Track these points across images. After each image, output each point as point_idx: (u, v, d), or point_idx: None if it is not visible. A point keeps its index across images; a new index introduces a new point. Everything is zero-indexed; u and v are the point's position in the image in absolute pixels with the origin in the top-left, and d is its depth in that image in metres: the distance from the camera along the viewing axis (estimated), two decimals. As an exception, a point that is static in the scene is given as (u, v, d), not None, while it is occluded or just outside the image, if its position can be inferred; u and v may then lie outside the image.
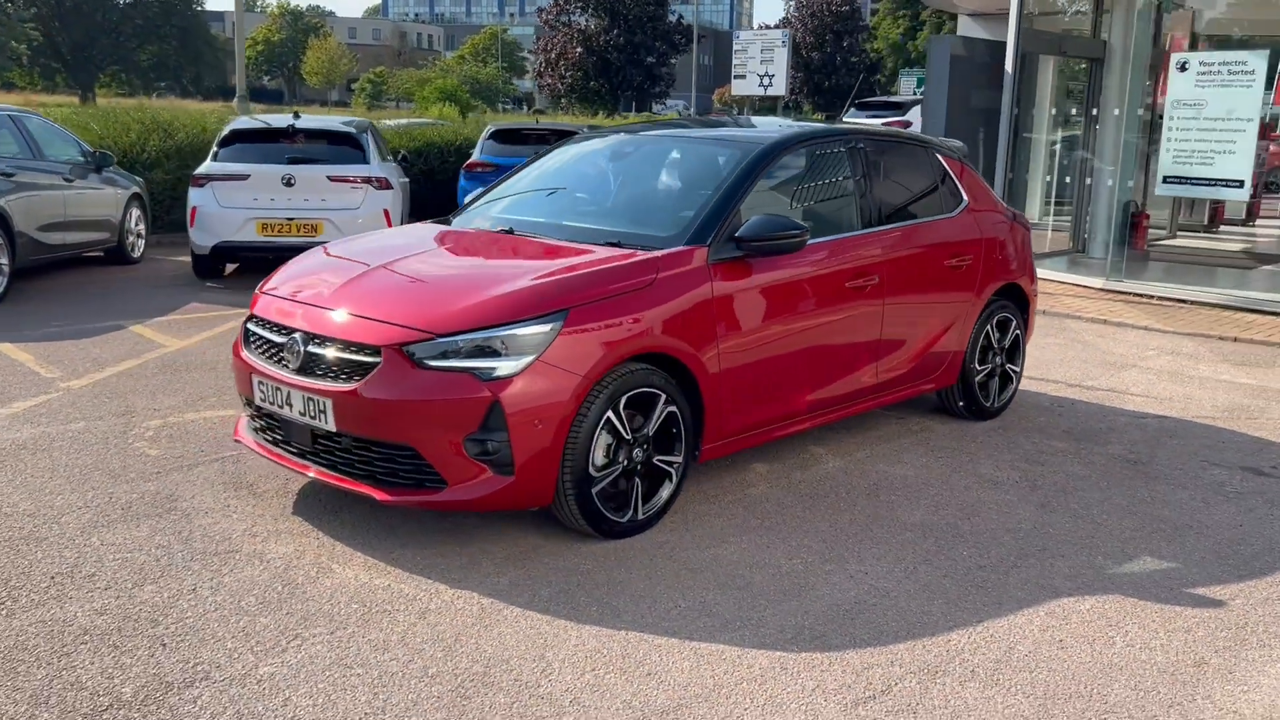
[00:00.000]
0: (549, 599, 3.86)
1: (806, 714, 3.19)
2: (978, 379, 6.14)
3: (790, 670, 3.42)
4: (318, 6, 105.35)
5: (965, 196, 6.07)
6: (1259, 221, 17.93)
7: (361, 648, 3.48)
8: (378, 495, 4.09)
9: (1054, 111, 13.61)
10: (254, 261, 11.14)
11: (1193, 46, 13.26)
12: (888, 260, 5.40)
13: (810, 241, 4.89)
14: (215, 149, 10.53)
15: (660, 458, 4.45)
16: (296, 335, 4.30)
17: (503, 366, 4.00)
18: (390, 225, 10.40)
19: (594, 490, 4.21)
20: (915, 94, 43.19)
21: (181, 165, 13.54)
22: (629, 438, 4.30)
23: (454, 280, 4.53)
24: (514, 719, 3.12)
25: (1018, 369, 6.48)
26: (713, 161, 5.19)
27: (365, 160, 10.59)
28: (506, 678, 3.33)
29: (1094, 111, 12.89)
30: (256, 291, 4.87)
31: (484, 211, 5.52)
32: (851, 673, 3.42)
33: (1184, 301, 10.46)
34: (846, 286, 5.18)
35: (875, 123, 23.00)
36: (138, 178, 12.14)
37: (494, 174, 12.93)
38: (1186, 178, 10.44)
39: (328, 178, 10.24)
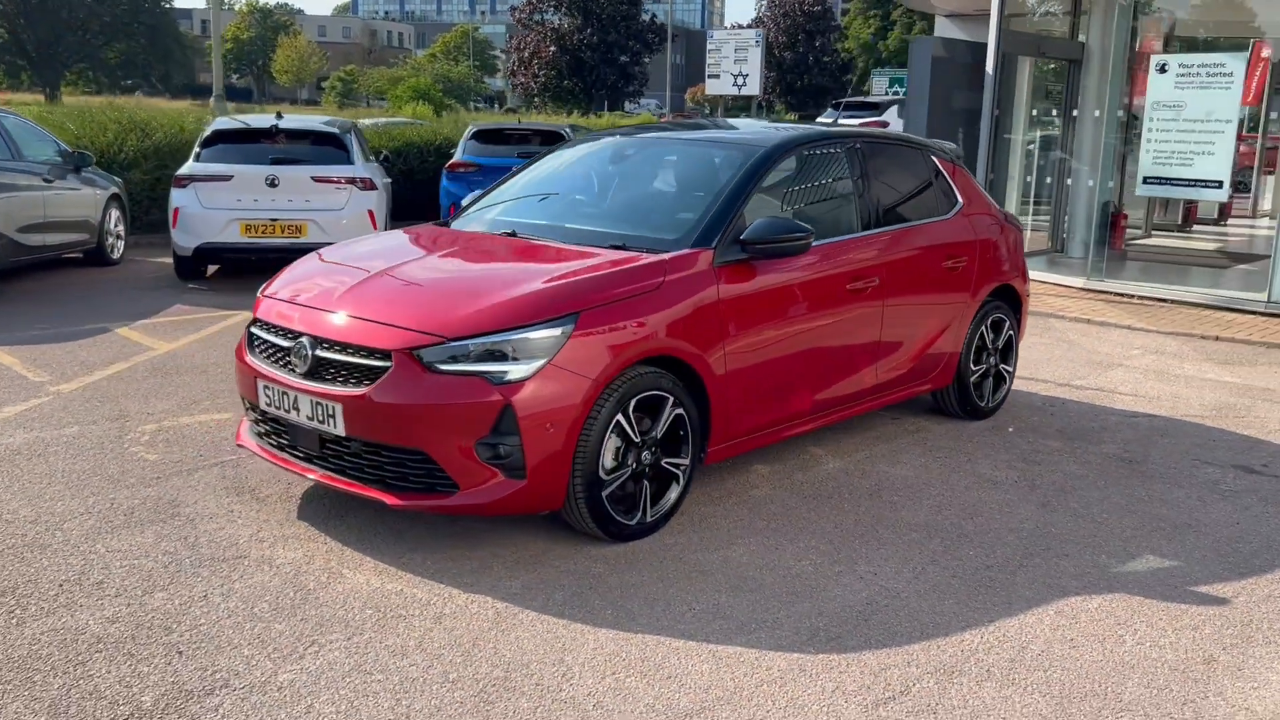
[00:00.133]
0: (563, 602, 3.86)
1: (829, 715, 3.21)
2: (973, 379, 6.19)
3: (809, 672, 3.44)
4: (286, 4, 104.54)
5: (959, 198, 6.12)
6: (1230, 221, 18.20)
7: (380, 654, 3.47)
8: (388, 500, 4.08)
9: (1034, 113, 13.73)
10: (236, 263, 11.09)
11: (1166, 48, 13.41)
12: (887, 262, 5.44)
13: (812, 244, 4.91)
14: (197, 149, 10.44)
15: (668, 460, 4.47)
16: (304, 339, 4.28)
17: (515, 370, 4.00)
18: (375, 226, 10.36)
19: (604, 493, 4.22)
20: (888, 94, 43.47)
21: (159, 165, 13.43)
22: (638, 440, 4.30)
23: (463, 283, 4.52)
24: (538, 724, 3.13)
25: (1011, 369, 6.54)
26: (714, 164, 5.20)
27: (349, 161, 10.54)
28: (528, 682, 3.33)
29: (1074, 113, 13.01)
30: (259, 295, 4.84)
31: (484, 214, 5.51)
32: (870, 674, 3.44)
33: (1164, 300, 10.58)
34: (847, 288, 5.21)
35: (853, 123, 23.12)
36: (116, 178, 12.02)
37: (477, 174, 12.91)
38: (1166, 178, 10.56)
39: (312, 178, 10.18)
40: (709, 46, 32.50)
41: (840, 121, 24.43)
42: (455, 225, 5.52)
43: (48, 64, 61.93)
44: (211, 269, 10.85)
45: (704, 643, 3.60)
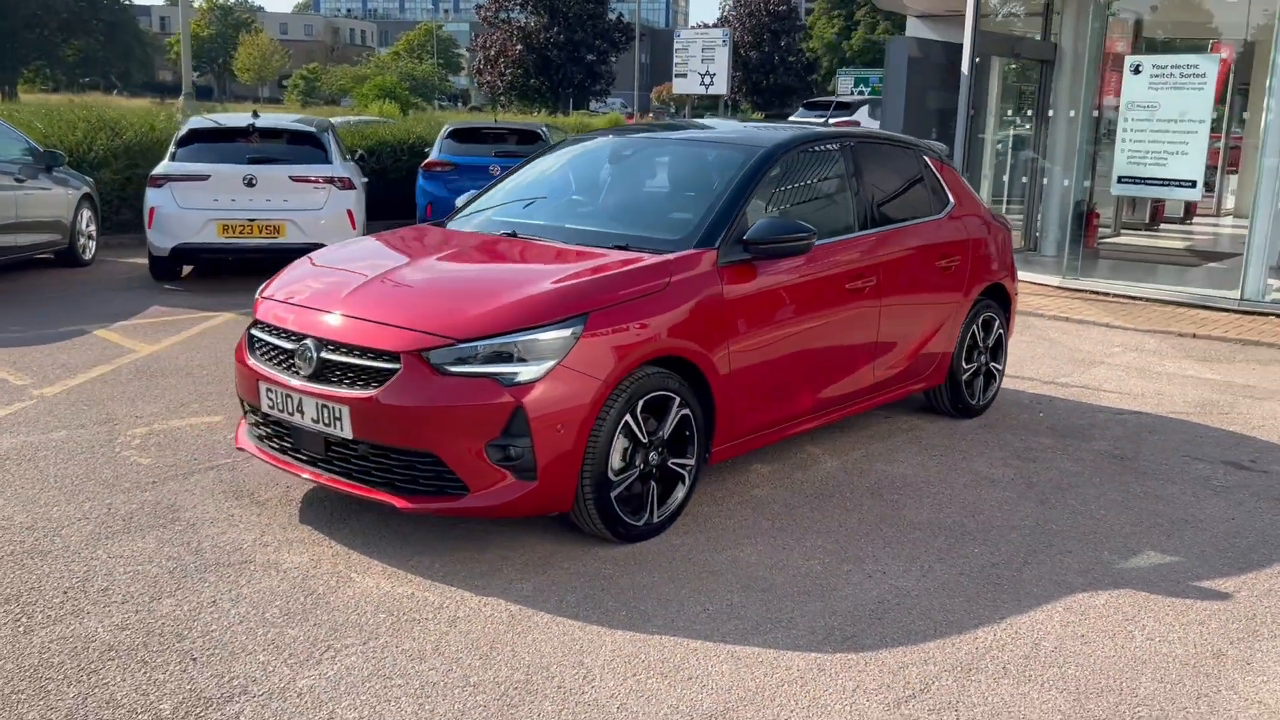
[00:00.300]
0: (576, 604, 3.85)
1: (852, 714, 3.22)
2: (964, 378, 6.23)
3: (828, 671, 3.45)
4: (247, 1, 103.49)
5: (950, 198, 6.16)
6: (1195, 219, 18.48)
7: (397, 658, 3.44)
8: (397, 503, 4.05)
9: (1009, 113, 13.86)
10: (212, 264, 10.98)
11: (1134, 50, 13.58)
12: (884, 262, 5.47)
13: (812, 244, 4.93)
14: (173, 149, 10.31)
15: (674, 460, 4.46)
16: (308, 341, 4.23)
17: (525, 371, 3.98)
18: (354, 226, 10.29)
19: (612, 494, 4.21)
20: (853, 94, 43.71)
21: (130, 164, 13.25)
22: (645, 441, 4.30)
23: (470, 285, 4.50)
24: (564, 727, 3.12)
25: (1000, 367, 6.60)
26: (714, 164, 5.20)
27: (328, 160, 10.45)
28: (549, 685, 3.32)
29: (1050, 113, 13.13)
30: (258, 297, 4.78)
31: (481, 214, 5.48)
32: (888, 672, 3.46)
33: (1139, 298, 10.71)
34: (846, 288, 5.23)
35: (821, 123, 23.20)
36: (88, 178, 11.84)
37: (453, 173, 12.85)
38: (1141, 178, 10.70)
39: (290, 178, 10.08)
40: (676, 46, 32.52)
41: (830, 122, 24.49)
42: (451, 226, 5.49)
43: (4, 61, 60.93)
44: (186, 269, 10.72)
45: (721, 643, 3.60)
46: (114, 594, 3.82)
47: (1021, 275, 11.79)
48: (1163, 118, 10.42)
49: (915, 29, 17.06)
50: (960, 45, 12.14)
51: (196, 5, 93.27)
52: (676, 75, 34.46)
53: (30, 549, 4.18)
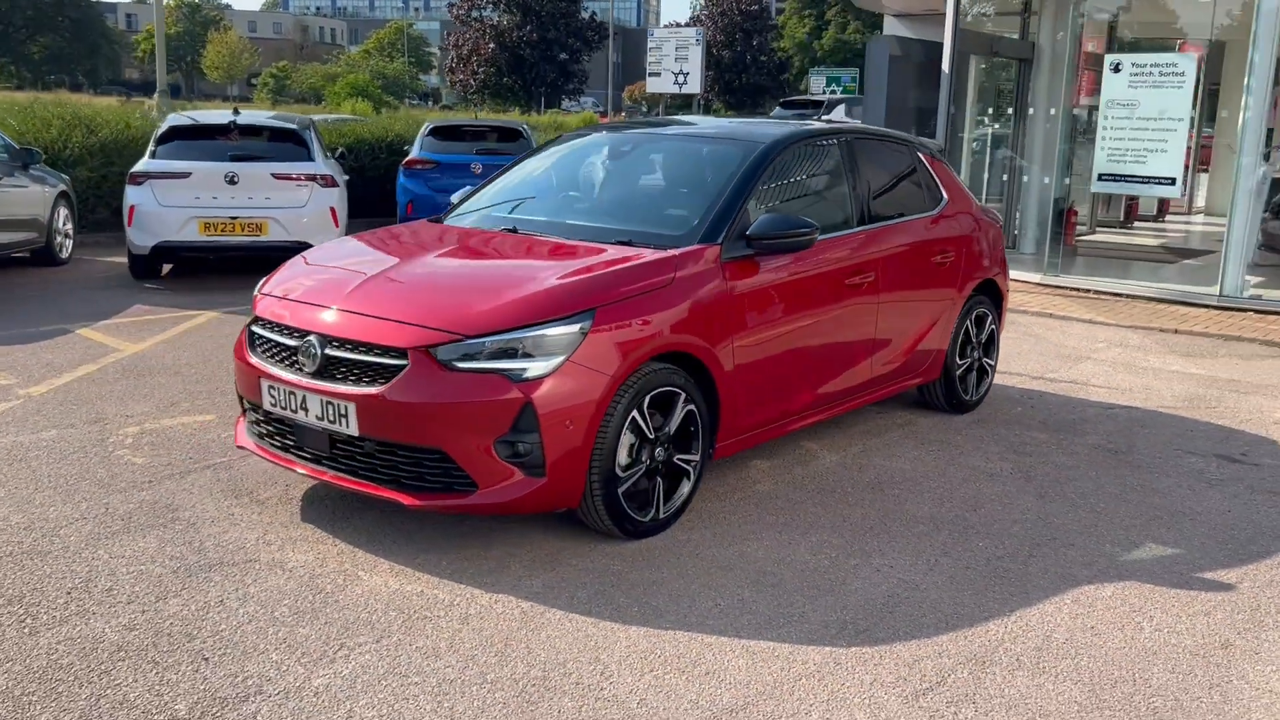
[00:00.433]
0: (588, 601, 3.83)
1: (871, 708, 3.22)
2: (958, 373, 6.26)
3: (844, 665, 3.45)
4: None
5: (944, 194, 6.19)
6: (1168, 217, 18.69)
7: (412, 656, 3.42)
8: (405, 500, 4.01)
9: (991, 111, 13.95)
10: (192, 262, 10.88)
11: (1106, 49, 13.69)
12: (882, 257, 5.48)
13: (812, 239, 4.93)
14: (153, 146, 10.19)
15: (679, 456, 4.45)
16: (311, 338, 4.19)
17: (533, 367, 3.96)
18: (336, 224, 10.23)
19: (620, 490, 4.20)
20: (825, 93, 43.86)
21: (105, 162, 13.12)
22: (652, 437, 4.29)
23: (475, 280, 4.47)
24: (584, 723, 3.10)
25: (993, 363, 6.63)
26: (714, 160, 5.20)
27: (310, 157, 10.38)
28: (566, 682, 3.30)
29: (1030, 111, 13.22)
30: (257, 293, 4.73)
31: (479, 211, 5.45)
32: (904, 665, 3.47)
33: (1119, 295, 10.81)
34: (846, 283, 5.24)
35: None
36: (64, 175, 11.69)
37: (434, 170, 12.78)
38: (1121, 175, 10.79)
39: (272, 175, 10.00)
40: (649, 45, 32.50)
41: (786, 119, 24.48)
42: (449, 221, 5.46)
43: (-33, 59, 60.14)
44: (166, 268, 10.61)
45: (736, 638, 3.60)
46: (118, 594, 3.77)
47: (1003, 272, 11.93)
48: (1142, 116, 10.51)
49: (892, 28, 17.15)
50: (939, 44, 12.21)
51: (166, 2, 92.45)
52: (650, 74, 34.43)
53: (29, 549, 4.12)
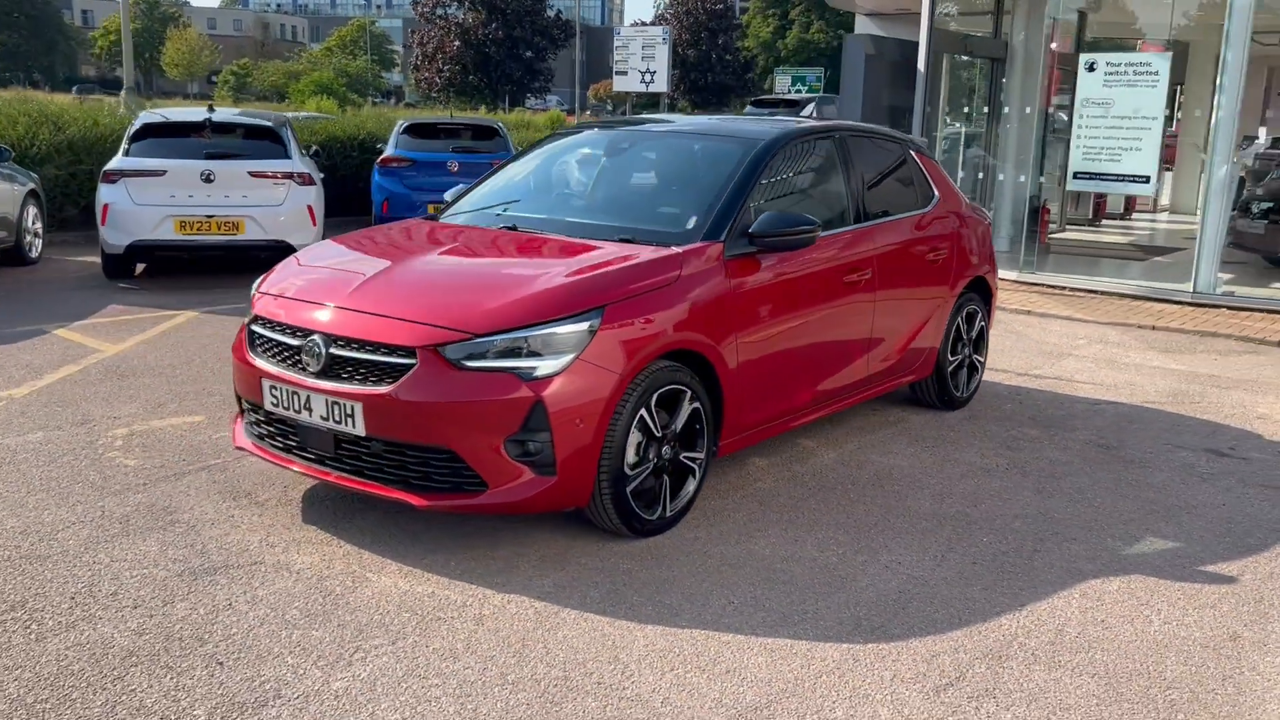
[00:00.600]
0: (601, 600, 3.82)
1: (894, 703, 3.23)
2: (950, 370, 6.30)
3: (863, 662, 3.46)
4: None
5: (935, 191, 6.21)
6: (1134, 215, 18.93)
7: (429, 657, 3.38)
8: (414, 501, 3.97)
9: (966, 109, 14.04)
10: (164, 261, 10.73)
11: (1074, 49, 13.82)
12: (878, 254, 5.50)
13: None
14: (126, 144, 10.04)
15: (685, 454, 4.44)
16: (315, 337, 4.13)
17: (543, 365, 3.93)
18: (314, 222, 10.13)
19: (628, 489, 4.18)
20: (790, 92, 44.00)
21: (74, 160, 12.91)
22: (659, 435, 4.27)
23: (481, 279, 4.42)
24: (610, 723, 3.08)
25: (983, 359, 6.68)
26: (714, 157, 5.18)
27: (287, 155, 10.27)
28: (588, 681, 3.28)
29: (1005, 110, 13.32)
30: (255, 292, 4.66)
31: (475, 209, 5.40)
32: (922, 661, 3.48)
33: (1095, 291, 10.92)
34: (844, 281, 5.25)
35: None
36: (33, 173, 11.49)
37: (410, 169, 12.68)
38: (1096, 173, 10.90)
39: (249, 173, 9.88)
40: (616, 44, 32.46)
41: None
42: (445, 219, 5.41)
43: (-80, 55, 59.02)
44: (139, 267, 10.46)
45: (752, 636, 3.59)
46: (124, 598, 3.70)
47: (979, 270, 12.02)
48: (1117, 114, 10.62)
49: (864, 26, 17.24)
50: (912, 43, 12.28)
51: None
52: (617, 73, 34.40)
53: (27, 554, 4.04)
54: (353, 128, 16.61)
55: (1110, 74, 10.67)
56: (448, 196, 5.80)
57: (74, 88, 56.69)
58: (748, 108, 30.75)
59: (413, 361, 3.93)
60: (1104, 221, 17.59)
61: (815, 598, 3.89)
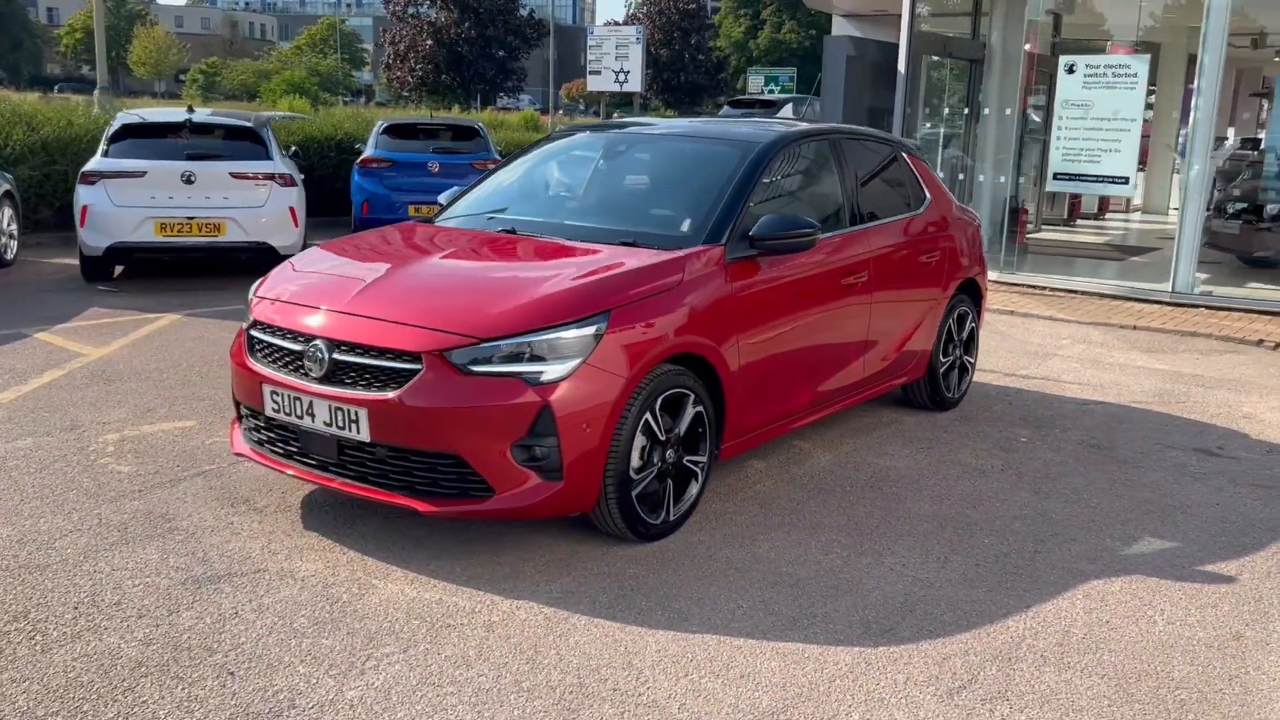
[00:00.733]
0: (610, 605, 3.81)
1: (909, 707, 3.24)
2: (941, 371, 6.33)
3: (876, 665, 3.47)
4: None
5: (928, 193, 6.24)
6: (1108, 215, 19.13)
7: (442, 665, 3.36)
8: (420, 507, 3.95)
9: (947, 111, 14.12)
10: (143, 263, 10.62)
11: (1051, 51, 13.93)
12: (874, 257, 5.52)
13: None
14: (105, 145, 9.92)
15: (688, 458, 4.44)
16: (318, 342, 4.10)
17: (550, 370, 3.92)
18: (296, 223, 10.05)
19: (633, 493, 4.17)
20: (764, 93, 44.10)
21: (48, 161, 12.74)
22: (663, 439, 4.27)
23: (485, 283, 4.40)
24: (628, 729, 3.08)
25: (973, 360, 6.72)
26: (712, 161, 5.17)
27: (268, 156, 10.18)
28: (603, 688, 3.27)
29: (985, 111, 13.40)
30: (253, 296, 4.62)
31: (472, 212, 5.37)
32: (933, 664, 3.49)
33: (1074, 291, 11.01)
34: (841, 283, 5.27)
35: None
36: (7, 174, 11.34)
37: (390, 169, 12.62)
38: (1075, 174, 11.00)
39: (230, 174, 9.80)
40: (589, 43, 32.42)
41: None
42: (440, 222, 5.38)
43: (-119, 53, 58.02)
44: (118, 269, 10.34)
45: (764, 640, 3.59)
46: (128, 608, 3.66)
47: (959, 270, 12.09)
48: (1097, 116, 10.72)
49: (841, 27, 17.30)
50: (892, 44, 12.33)
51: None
52: (591, 72, 34.35)
53: (25, 563, 3.98)
54: (330, 127, 16.51)
55: (1090, 76, 10.77)
56: (442, 199, 5.77)
57: (55, 87, 55.94)
58: (724, 108, 30.78)
59: (418, 367, 3.91)
60: (1079, 222, 17.77)
61: (823, 601, 3.90)
